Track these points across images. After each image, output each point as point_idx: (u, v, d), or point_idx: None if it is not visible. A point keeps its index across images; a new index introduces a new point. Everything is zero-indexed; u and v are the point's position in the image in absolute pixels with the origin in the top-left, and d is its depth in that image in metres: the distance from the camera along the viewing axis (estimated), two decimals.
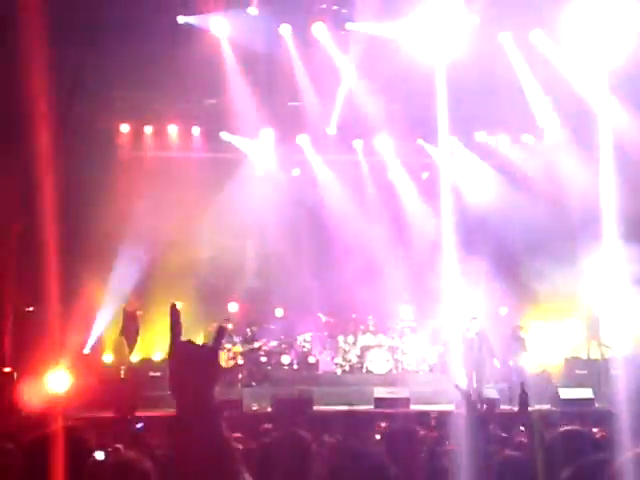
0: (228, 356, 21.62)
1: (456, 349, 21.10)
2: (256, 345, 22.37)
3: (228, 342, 21.75)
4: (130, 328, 22.11)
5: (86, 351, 21.97)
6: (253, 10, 22.34)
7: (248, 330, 22.58)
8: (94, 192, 22.15)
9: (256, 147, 25.55)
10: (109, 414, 16.81)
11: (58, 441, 4.69)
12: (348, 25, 22.75)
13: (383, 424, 11.22)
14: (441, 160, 24.78)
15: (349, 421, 15.08)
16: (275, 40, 23.06)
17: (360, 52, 22.85)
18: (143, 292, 22.22)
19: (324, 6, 22.78)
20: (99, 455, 6.09)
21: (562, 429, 5.11)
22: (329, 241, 24.40)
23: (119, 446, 8.69)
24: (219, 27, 23.09)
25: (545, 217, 23.27)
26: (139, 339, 22.44)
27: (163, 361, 20.82)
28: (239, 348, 21.89)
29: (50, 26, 15.26)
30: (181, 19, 22.48)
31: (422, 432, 7.93)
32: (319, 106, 24.32)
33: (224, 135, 25.36)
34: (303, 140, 25.83)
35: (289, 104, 24.40)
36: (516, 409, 16.22)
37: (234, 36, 23.10)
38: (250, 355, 22.14)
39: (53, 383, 16.24)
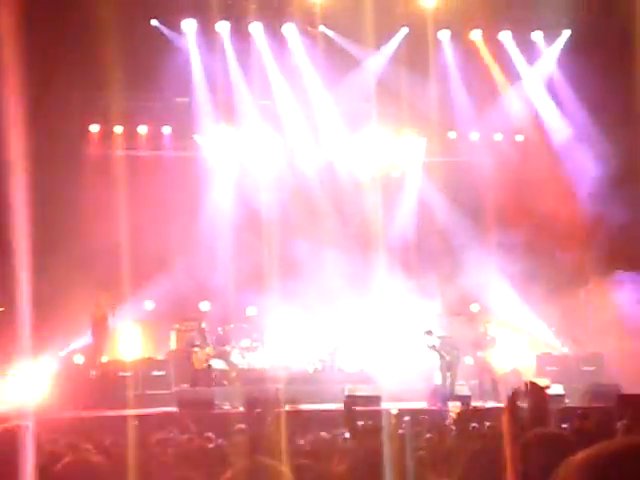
0: (201, 358, 21.56)
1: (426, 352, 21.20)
2: (228, 348, 22.32)
3: (202, 343, 21.70)
4: (98, 328, 21.97)
5: (62, 353, 21.90)
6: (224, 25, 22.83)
7: (220, 329, 22.55)
8: (64, 193, 22.08)
9: (221, 145, 25.51)
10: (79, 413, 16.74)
11: (15, 439, 4.70)
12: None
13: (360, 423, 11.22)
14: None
15: (321, 420, 15.08)
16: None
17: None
18: (113, 293, 22.07)
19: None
20: None
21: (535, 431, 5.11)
22: (299, 238, 24.39)
23: (89, 446, 8.69)
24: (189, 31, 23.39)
25: None
26: (108, 340, 22.31)
27: (133, 362, 20.80)
28: (212, 350, 21.82)
29: (20, 25, 15.20)
30: (154, 22, 22.65)
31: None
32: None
33: (197, 138, 25.39)
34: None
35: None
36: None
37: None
38: (222, 355, 22.10)
39: (22, 385, 16.15)
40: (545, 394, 6.86)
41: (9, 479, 4.43)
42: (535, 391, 6.66)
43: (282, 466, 3.70)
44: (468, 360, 20.93)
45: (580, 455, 2.37)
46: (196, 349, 21.39)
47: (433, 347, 20.27)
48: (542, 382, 7.39)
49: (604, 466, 2.34)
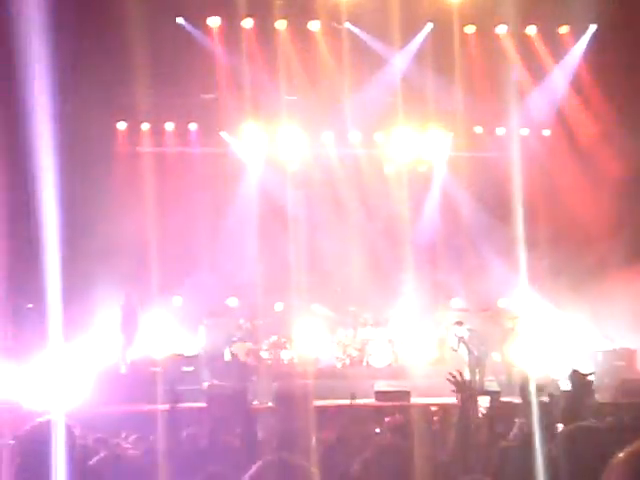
0: (243, 351, 21.65)
1: (454, 349, 21.18)
2: (264, 345, 22.38)
3: (242, 338, 21.80)
4: (127, 324, 22.05)
5: (92, 349, 22.02)
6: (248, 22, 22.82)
7: (248, 325, 22.59)
8: (92, 190, 22.18)
9: (250, 143, 25.53)
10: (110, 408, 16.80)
11: (51, 433, 4.73)
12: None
13: (387, 418, 11.21)
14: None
15: (350, 415, 15.09)
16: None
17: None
18: (142, 288, 22.12)
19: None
20: None
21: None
22: (326, 234, 24.40)
23: (120, 441, 8.73)
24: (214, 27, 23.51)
25: None
26: (137, 335, 22.38)
27: (162, 358, 20.85)
28: (251, 345, 21.89)
29: (47, 21, 15.27)
30: (180, 20, 22.74)
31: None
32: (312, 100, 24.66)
33: (224, 135, 25.45)
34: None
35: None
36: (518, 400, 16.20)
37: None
38: (252, 350, 22.15)
39: (53, 379, 16.22)
40: (588, 382, 6.83)
41: (44, 472, 4.46)
42: (578, 379, 6.63)
43: (306, 462, 3.70)
44: (496, 356, 20.85)
45: (624, 452, 2.38)
46: (240, 344, 21.46)
47: (462, 339, 20.24)
48: (586, 371, 7.33)
49: None
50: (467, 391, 6.11)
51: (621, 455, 2.47)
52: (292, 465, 3.60)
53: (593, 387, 6.93)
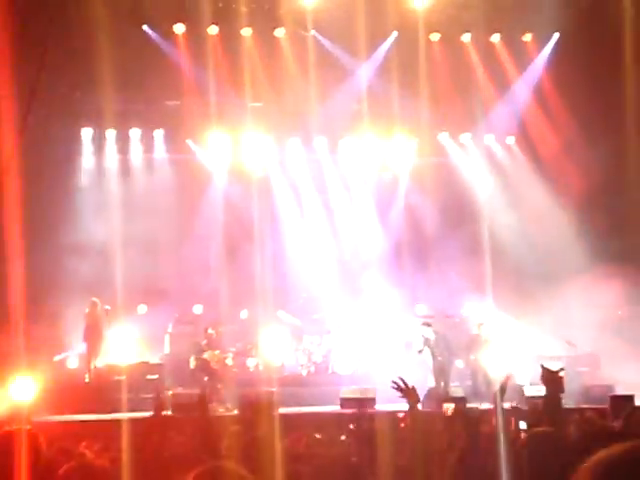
0: (215, 359, 21.57)
1: (420, 354, 21.23)
2: (232, 352, 22.32)
3: (210, 346, 21.73)
4: (92, 333, 21.90)
5: (57, 358, 21.89)
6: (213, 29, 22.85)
7: (212, 332, 22.50)
8: (56, 196, 22.09)
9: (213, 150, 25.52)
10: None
11: (13, 444, 4.71)
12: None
13: (351, 425, 11.24)
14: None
15: (315, 422, 15.07)
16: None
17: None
18: (106, 296, 21.98)
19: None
20: None
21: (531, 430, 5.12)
22: (291, 241, 24.44)
23: (86, 451, 8.66)
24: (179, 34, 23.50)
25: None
26: (102, 344, 22.22)
27: (127, 366, 20.71)
28: (220, 353, 21.82)
29: (11, 27, 15.17)
30: (145, 27, 22.75)
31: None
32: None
33: (189, 142, 25.43)
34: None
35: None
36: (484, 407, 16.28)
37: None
38: (217, 357, 22.09)
39: (17, 390, 16.09)
40: (559, 378, 6.89)
41: None
42: (549, 375, 6.68)
43: (244, 470, 3.67)
44: (459, 363, 20.92)
45: (593, 459, 2.40)
46: (207, 352, 21.38)
47: (427, 341, 20.24)
48: (555, 366, 7.43)
49: (616, 469, 2.37)
50: (413, 397, 6.12)
51: (586, 464, 2.48)
52: (229, 473, 3.58)
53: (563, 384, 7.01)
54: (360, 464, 5.78)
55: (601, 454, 2.44)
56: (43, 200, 21.25)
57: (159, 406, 8.21)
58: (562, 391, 7.00)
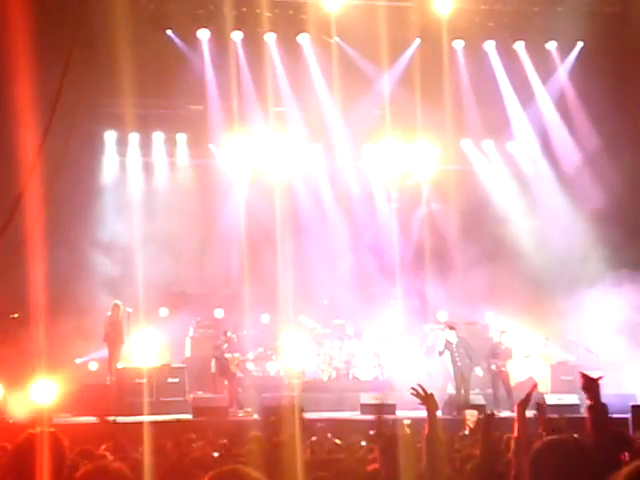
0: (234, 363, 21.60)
1: (440, 356, 21.18)
2: (250, 356, 22.33)
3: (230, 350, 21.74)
4: (113, 335, 21.96)
5: (78, 361, 21.96)
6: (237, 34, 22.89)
7: (234, 336, 22.51)
8: (79, 198, 22.16)
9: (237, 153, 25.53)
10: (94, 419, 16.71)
11: (38, 446, 4.71)
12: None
13: (371, 432, 11.21)
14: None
15: (335, 428, 15.06)
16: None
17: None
18: (127, 300, 22.04)
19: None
20: None
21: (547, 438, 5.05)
22: (312, 247, 24.40)
23: (107, 453, 8.69)
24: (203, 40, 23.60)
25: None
26: (123, 347, 22.27)
27: (148, 369, 20.74)
28: (240, 356, 21.85)
29: (35, 29, 15.23)
30: (169, 32, 22.84)
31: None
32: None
33: (212, 146, 25.46)
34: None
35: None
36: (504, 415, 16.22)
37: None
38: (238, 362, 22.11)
39: (38, 392, 16.15)
40: (598, 385, 6.82)
41: None
42: (589, 383, 6.62)
43: (258, 474, 3.66)
44: (479, 371, 20.83)
45: (625, 470, 2.37)
46: (228, 355, 21.38)
47: (449, 344, 20.11)
48: (595, 374, 7.36)
49: None
50: (432, 404, 6.09)
51: (622, 473, 2.45)
52: (245, 477, 3.56)
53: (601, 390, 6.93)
54: (381, 471, 5.77)
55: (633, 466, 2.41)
56: (66, 203, 21.32)
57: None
58: (600, 399, 6.92)
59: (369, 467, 6.62)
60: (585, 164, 24.72)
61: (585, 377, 6.91)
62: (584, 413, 16.43)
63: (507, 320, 23.29)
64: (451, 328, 20.35)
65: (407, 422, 12.84)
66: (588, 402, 6.85)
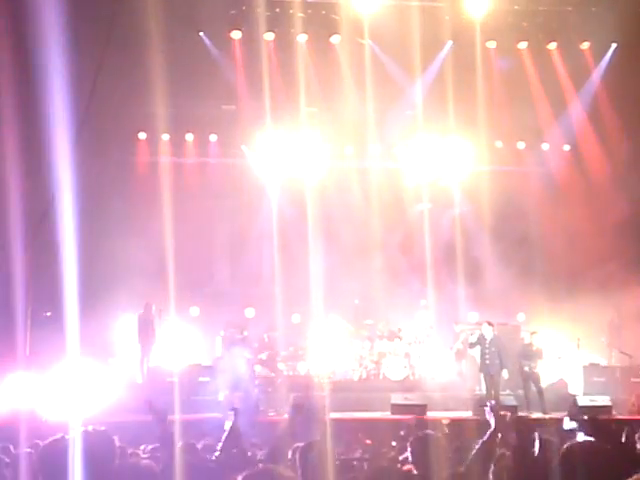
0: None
1: (472, 356, 21.15)
2: (283, 356, 22.40)
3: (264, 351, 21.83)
4: (145, 334, 22.09)
5: (111, 360, 22.08)
6: (269, 35, 22.91)
7: (265, 336, 22.58)
8: (112, 198, 22.28)
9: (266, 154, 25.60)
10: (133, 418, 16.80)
11: (75, 444, 4.76)
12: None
13: (402, 432, 11.23)
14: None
15: (366, 428, 15.07)
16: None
17: None
18: (160, 298, 22.14)
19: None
20: None
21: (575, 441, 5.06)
22: (343, 247, 24.40)
23: (138, 451, 8.75)
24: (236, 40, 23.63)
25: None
26: (155, 346, 22.38)
27: (180, 368, 20.82)
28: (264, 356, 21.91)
29: (69, 28, 15.37)
30: (201, 34, 22.92)
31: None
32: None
33: (244, 147, 25.54)
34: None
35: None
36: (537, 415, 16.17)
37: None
38: (268, 361, 22.16)
39: (72, 390, 16.27)
40: None
41: None
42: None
43: (292, 474, 3.69)
44: (508, 372, 20.77)
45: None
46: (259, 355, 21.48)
47: (483, 339, 19.97)
48: None
49: None
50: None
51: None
52: (278, 477, 3.60)
53: None
54: (414, 472, 5.78)
55: None
56: (98, 203, 21.46)
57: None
58: None
59: (403, 467, 6.64)
60: (613, 171, 24.66)
61: None
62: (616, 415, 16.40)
63: (538, 321, 23.23)
64: (489, 324, 20.22)
65: (446, 422, 12.90)
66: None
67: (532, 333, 21.37)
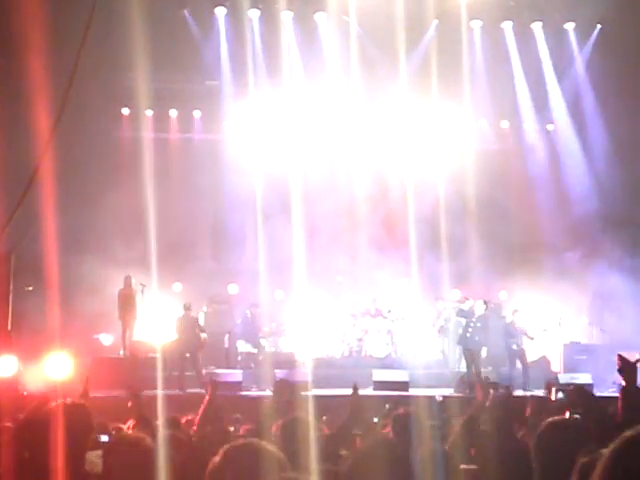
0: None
1: (452, 332, 21.24)
2: (265, 332, 22.41)
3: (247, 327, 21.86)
4: (126, 309, 22.07)
5: (96, 336, 22.10)
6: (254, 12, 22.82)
7: (247, 312, 22.57)
8: (94, 173, 22.22)
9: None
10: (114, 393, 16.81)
11: (57, 418, 4.74)
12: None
13: (387, 405, 11.27)
14: None
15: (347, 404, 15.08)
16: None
17: None
18: (141, 273, 22.08)
19: None
20: (103, 437, 6.15)
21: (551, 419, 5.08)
22: (326, 223, 24.37)
23: (122, 426, 8.75)
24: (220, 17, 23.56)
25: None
26: (137, 321, 22.35)
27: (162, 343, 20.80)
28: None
29: (52, 2, 15.26)
30: (186, 12, 22.85)
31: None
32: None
33: (226, 122, 25.50)
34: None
35: None
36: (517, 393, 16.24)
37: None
38: (250, 337, 22.17)
39: (53, 365, 16.21)
40: (635, 368, 6.88)
41: (46, 457, 4.47)
42: (627, 366, 6.66)
43: (274, 448, 3.69)
44: (496, 348, 20.83)
45: (611, 449, 2.36)
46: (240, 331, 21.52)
47: (471, 313, 20.00)
48: (633, 357, 7.42)
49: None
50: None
51: (608, 451, 2.44)
52: (262, 450, 3.60)
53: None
54: (400, 448, 5.77)
55: (623, 440, 2.40)
56: (81, 178, 21.38)
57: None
58: (636, 382, 6.96)
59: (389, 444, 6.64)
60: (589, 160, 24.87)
61: (622, 359, 6.94)
62: (614, 393, 16.43)
63: (520, 299, 23.29)
64: (484, 303, 20.24)
65: (440, 399, 12.94)
66: (623, 384, 6.89)
67: (514, 311, 21.45)
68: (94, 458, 4.98)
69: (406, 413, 6.88)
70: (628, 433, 2.43)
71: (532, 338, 21.09)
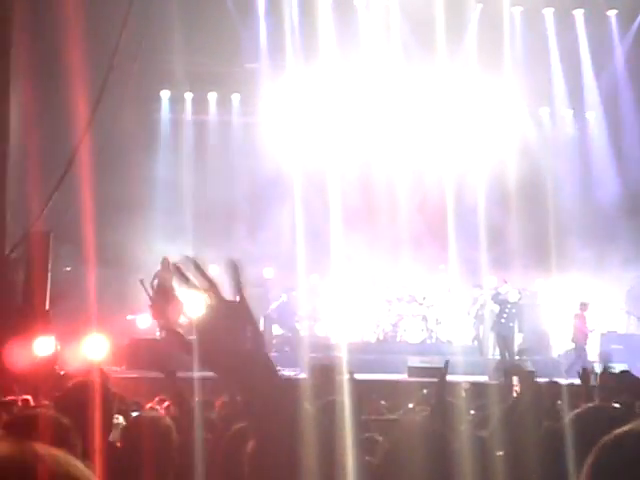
0: None
1: (488, 320, 21.17)
2: (301, 316, 22.46)
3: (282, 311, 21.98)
4: (165, 292, 22.14)
5: (130, 317, 22.22)
6: None
7: (284, 296, 22.62)
8: (134, 156, 22.29)
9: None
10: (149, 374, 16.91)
11: (91, 394, 4.80)
12: None
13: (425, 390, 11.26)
14: None
15: (382, 390, 15.10)
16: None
17: None
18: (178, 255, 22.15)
19: None
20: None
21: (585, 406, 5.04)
22: (364, 208, 24.33)
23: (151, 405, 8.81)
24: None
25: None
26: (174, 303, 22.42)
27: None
28: None
29: None
30: None
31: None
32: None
33: (265, 104, 25.47)
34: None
35: None
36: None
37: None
38: (285, 321, 22.24)
39: (90, 345, 16.34)
40: None
41: (83, 429, 4.52)
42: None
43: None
44: (529, 335, 20.74)
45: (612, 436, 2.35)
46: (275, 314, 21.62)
47: (505, 302, 19.96)
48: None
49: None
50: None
51: (609, 438, 2.42)
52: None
53: None
54: (439, 432, 5.76)
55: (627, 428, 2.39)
56: (121, 159, 21.48)
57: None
58: None
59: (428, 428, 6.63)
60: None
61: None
62: None
63: (557, 287, 23.18)
64: (520, 292, 20.19)
65: (466, 386, 12.90)
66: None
67: (550, 299, 21.36)
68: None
69: (444, 399, 6.86)
70: (606, 438, 2.41)
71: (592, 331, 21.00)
